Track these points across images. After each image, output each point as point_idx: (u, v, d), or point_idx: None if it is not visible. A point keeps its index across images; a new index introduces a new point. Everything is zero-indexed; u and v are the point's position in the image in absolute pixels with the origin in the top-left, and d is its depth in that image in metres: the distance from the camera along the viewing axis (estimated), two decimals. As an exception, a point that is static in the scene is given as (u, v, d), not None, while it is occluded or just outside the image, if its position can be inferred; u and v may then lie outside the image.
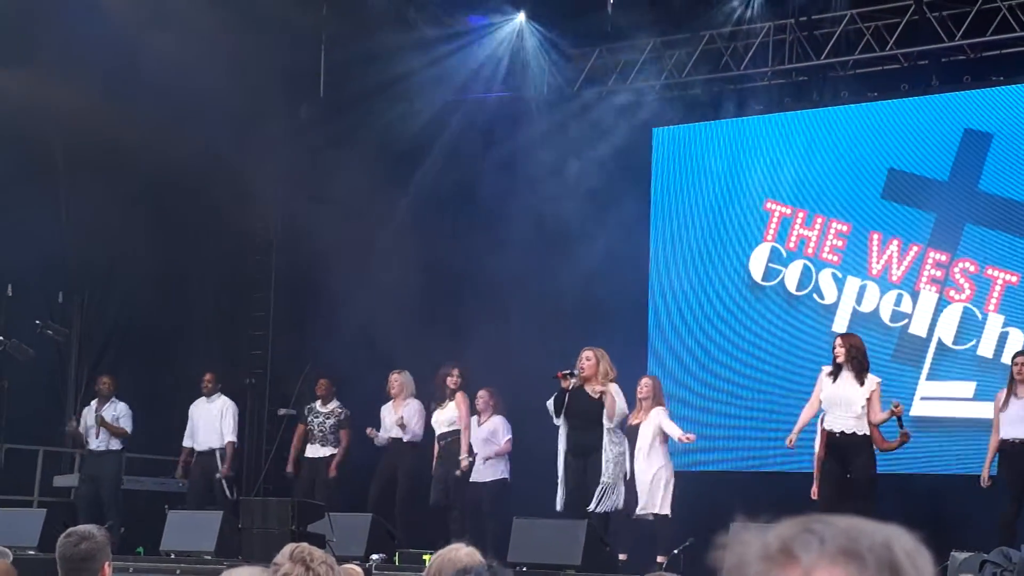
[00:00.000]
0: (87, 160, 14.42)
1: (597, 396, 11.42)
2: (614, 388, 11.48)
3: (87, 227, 14.63)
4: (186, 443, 14.37)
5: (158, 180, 14.46)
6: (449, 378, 12.61)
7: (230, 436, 14.32)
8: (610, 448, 11.39)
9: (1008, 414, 10.94)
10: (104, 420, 14.02)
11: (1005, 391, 11.09)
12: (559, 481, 11.58)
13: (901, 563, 1.38)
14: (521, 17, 15.49)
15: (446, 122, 15.45)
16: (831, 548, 1.37)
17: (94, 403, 14.25)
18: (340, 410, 14.06)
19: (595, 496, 11.27)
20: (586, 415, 11.34)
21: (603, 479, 11.30)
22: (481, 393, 13.13)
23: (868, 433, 10.61)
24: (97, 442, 14.08)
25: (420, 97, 15.41)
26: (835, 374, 10.79)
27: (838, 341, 10.97)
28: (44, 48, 13.70)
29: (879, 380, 10.91)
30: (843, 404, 10.71)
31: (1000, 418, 11.01)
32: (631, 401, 11.85)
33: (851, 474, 10.62)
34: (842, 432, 10.65)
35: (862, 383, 10.68)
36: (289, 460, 14.35)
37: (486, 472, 12.93)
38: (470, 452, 12.82)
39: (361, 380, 13.94)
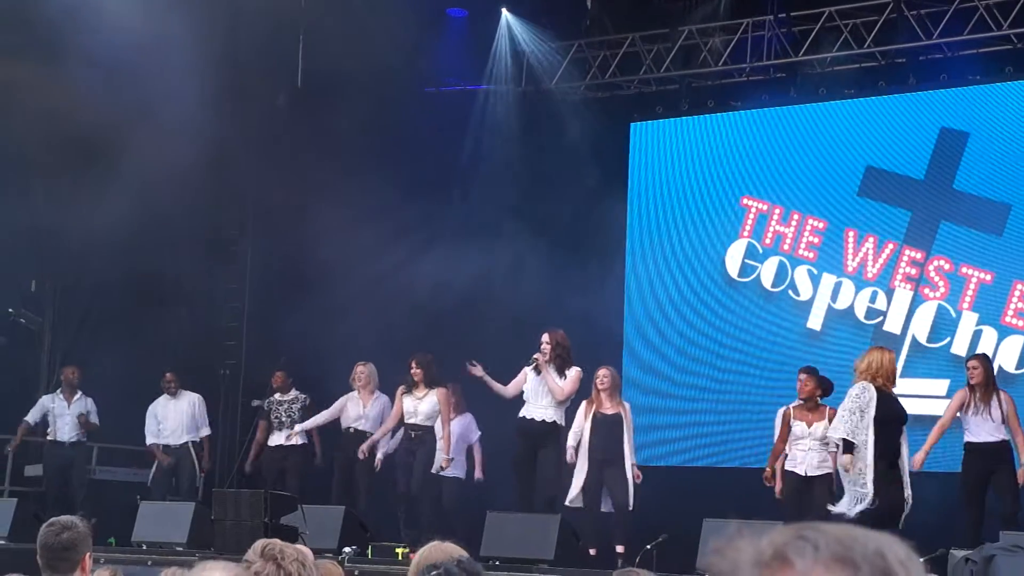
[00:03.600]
0: (61, 147, 14.33)
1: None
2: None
3: (60, 215, 14.55)
4: (151, 441, 14.31)
5: (133, 170, 14.37)
6: (413, 368, 12.53)
7: (207, 430, 14.37)
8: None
9: (976, 417, 11.01)
10: (87, 420, 14.01)
11: (969, 393, 11.13)
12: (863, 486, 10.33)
13: (895, 571, 1.38)
14: (504, 12, 15.48)
15: (424, 114, 15.41)
16: (826, 555, 1.38)
17: (60, 392, 14.17)
18: (304, 395, 14.06)
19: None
20: (899, 419, 10.35)
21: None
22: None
23: (561, 423, 11.62)
24: (70, 434, 14.06)
25: (398, 89, 15.37)
26: (538, 369, 11.68)
27: (544, 337, 11.70)
28: (19, 35, 13.62)
29: (579, 370, 11.72)
30: (543, 395, 11.70)
31: (966, 420, 11.09)
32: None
33: (539, 459, 11.58)
34: (543, 420, 11.61)
35: (564, 376, 11.65)
36: (249, 457, 14.24)
37: (450, 467, 12.92)
38: (450, 458, 12.76)
39: (335, 372, 13.90)
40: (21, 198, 14.51)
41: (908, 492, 10.12)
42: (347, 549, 11.05)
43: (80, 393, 14.13)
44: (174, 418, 14.29)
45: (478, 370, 11.87)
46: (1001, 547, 9.10)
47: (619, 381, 12.17)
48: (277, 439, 14.05)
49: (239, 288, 16.42)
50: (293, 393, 14.08)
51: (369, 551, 11.45)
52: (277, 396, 14.11)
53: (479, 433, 13.41)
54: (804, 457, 11.38)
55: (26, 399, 14.60)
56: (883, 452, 9.91)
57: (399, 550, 11.26)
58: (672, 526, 11.03)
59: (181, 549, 11.64)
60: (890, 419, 10.02)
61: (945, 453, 11.85)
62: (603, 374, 11.90)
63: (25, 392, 14.75)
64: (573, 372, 11.70)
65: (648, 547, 11.08)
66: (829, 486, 11.28)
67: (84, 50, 13.24)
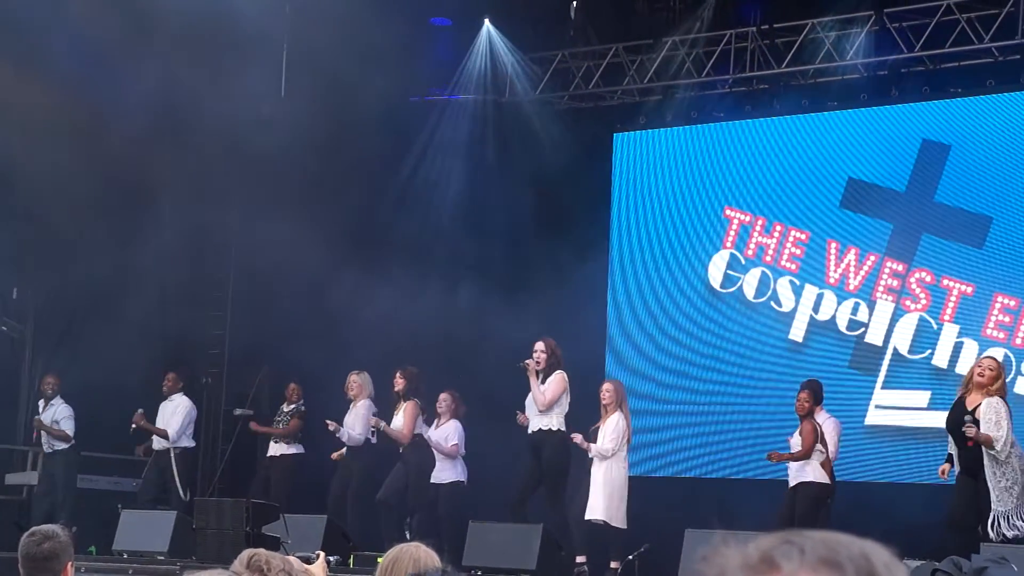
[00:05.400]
0: (45, 155, 14.29)
1: (970, 408, 9.83)
2: (995, 401, 9.82)
3: (43, 222, 14.52)
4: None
5: (117, 177, 14.35)
6: (396, 378, 12.57)
7: (186, 441, 14.26)
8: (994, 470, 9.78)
9: None
10: (43, 424, 13.91)
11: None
12: None
13: (880, 573, 1.41)
14: (486, 22, 15.50)
15: (408, 124, 15.42)
16: (811, 558, 1.40)
17: (41, 403, 14.14)
18: (298, 408, 14.07)
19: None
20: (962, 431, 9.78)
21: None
22: (443, 396, 13.11)
23: (554, 428, 11.70)
24: (45, 444, 14.01)
25: (381, 97, 15.36)
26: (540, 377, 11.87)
27: (539, 345, 11.87)
28: (9, 45, 13.60)
29: (563, 374, 11.85)
30: (530, 405, 11.90)
31: None
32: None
33: (543, 465, 11.71)
34: (531, 430, 11.78)
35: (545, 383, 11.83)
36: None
37: (442, 474, 12.91)
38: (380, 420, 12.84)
39: (319, 380, 13.90)
40: (4, 206, 14.47)
41: None
42: (330, 559, 11.02)
43: (55, 401, 14.06)
44: (160, 420, 14.26)
45: (522, 419, 11.95)
46: (990, 559, 9.10)
47: (622, 393, 12.11)
48: (272, 449, 14.07)
49: (222, 296, 16.38)
50: (295, 405, 14.17)
51: (351, 560, 11.44)
52: (284, 406, 14.18)
53: (456, 441, 13.30)
54: (788, 469, 11.46)
55: (8, 407, 14.55)
56: None
57: (380, 559, 11.23)
58: (654, 537, 11.04)
59: (162, 558, 11.60)
60: None
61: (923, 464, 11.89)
62: (604, 388, 11.95)
63: (7, 400, 14.69)
64: (552, 377, 11.63)
65: (630, 557, 11.11)
66: (807, 494, 11.28)
67: (67, 64, 13.22)
